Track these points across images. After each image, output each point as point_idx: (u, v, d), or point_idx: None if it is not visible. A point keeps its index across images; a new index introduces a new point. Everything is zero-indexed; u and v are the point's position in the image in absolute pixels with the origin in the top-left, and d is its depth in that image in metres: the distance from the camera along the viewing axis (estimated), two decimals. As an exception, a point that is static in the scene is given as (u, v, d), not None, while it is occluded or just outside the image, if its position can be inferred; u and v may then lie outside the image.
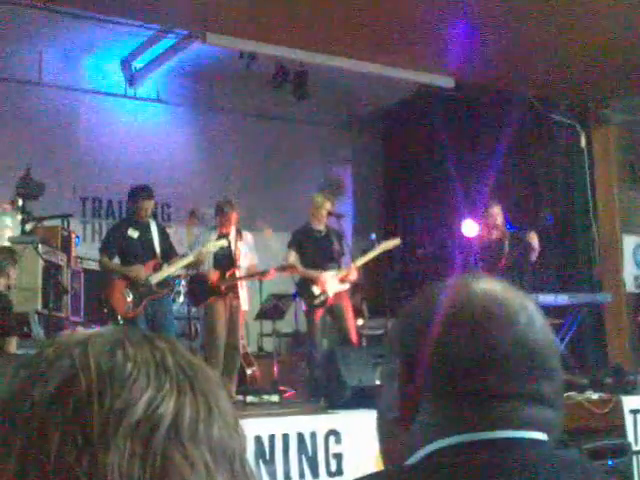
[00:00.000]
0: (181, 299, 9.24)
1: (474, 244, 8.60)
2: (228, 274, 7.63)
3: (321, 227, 8.02)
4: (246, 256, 7.79)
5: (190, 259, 7.53)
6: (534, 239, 8.04)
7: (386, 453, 1.13)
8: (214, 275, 7.58)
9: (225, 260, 7.67)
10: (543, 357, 1.04)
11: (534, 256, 8.09)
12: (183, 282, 9.05)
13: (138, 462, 0.66)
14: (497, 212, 8.29)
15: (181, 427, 0.69)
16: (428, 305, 1.10)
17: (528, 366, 1.03)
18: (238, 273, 7.72)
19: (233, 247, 7.67)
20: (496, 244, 8.23)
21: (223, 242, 7.63)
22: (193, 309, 8.59)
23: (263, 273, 7.89)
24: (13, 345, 6.52)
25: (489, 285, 1.09)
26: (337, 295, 7.83)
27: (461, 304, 1.06)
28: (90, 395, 0.67)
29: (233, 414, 0.75)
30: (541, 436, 1.02)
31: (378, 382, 1.14)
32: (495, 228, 8.31)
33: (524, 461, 0.99)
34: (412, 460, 1.03)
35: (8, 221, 8.81)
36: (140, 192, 7.48)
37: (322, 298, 7.76)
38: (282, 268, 8.01)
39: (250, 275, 7.82)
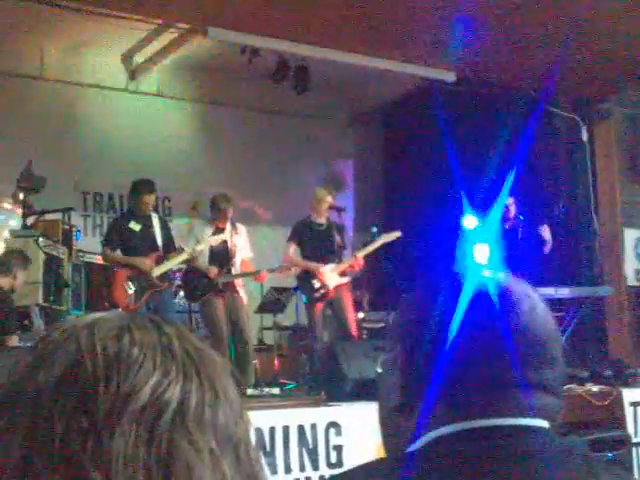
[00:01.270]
0: (182, 293, 9.24)
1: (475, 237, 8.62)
2: (225, 270, 7.64)
3: (322, 220, 8.01)
4: (241, 250, 7.80)
5: (185, 256, 7.52)
6: (547, 232, 8.18)
7: (388, 441, 1.14)
8: (213, 271, 7.56)
9: (221, 256, 7.67)
10: (545, 345, 1.05)
11: (547, 249, 8.23)
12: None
13: (143, 447, 0.66)
14: (510, 203, 8.38)
15: (187, 412, 0.68)
16: (429, 294, 1.10)
17: (530, 354, 1.03)
18: (234, 270, 7.72)
19: (229, 242, 7.68)
20: (509, 235, 8.29)
21: (222, 236, 7.63)
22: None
23: (255, 273, 7.85)
24: (14, 341, 6.53)
25: (490, 274, 1.10)
26: (338, 288, 7.82)
27: (462, 293, 1.06)
28: (96, 379, 0.67)
29: (239, 401, 0.75)
30: (543, 423, 1.03)
31: (379, 370, 1.15)
32: (508, 219, 8.40)
33: (526, 448, 1.00)
34: (413, 447, 1.04)
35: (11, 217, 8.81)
36: (142, 186, 7.48)
37: (322, 291, 7.77)
38: (273, 270, 7.99)
39: (243, 274, 7.79)
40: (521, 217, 8.46)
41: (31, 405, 0.68)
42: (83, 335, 0.71)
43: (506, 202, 8.40)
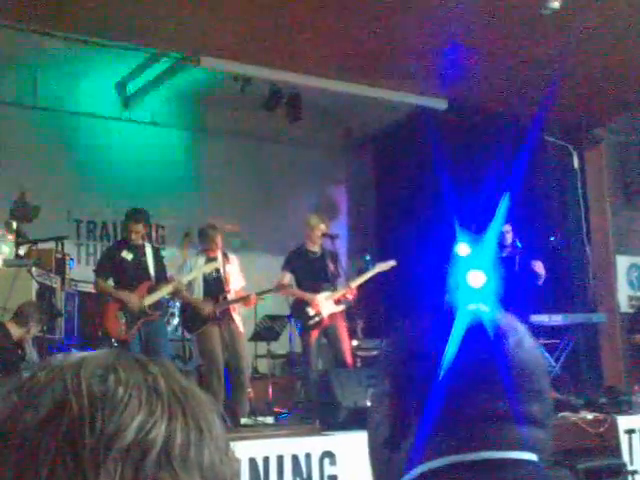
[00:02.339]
0: (175, 321, 9.21)
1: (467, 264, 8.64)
2: (221, 298, 7.62)
3: (316, 248, 8.01)
4: (234, 279, 7.78)
5: (170, 288, 7.49)
6: (540, 268, 8.20)
7: (378, 475, 1.13)
8: (207, 309, 7.53)
9: (216, 284, 7.65)
10: (532, 378, 1.05)
11: (540, 282, 8.25)
12: (177, 304, 9.02)
13: None
14: (507, 230, 8.40)
15: (172, 452, 0.68)
16: (418, 327, 1.11)
17: (517, 387, 1.03)
18: (229, 297, 7.69)
19: (222, 271, 7.66)
20: (506, 262, 8.30)
21: (215, 265, 7.62)
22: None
23: (245, 299, 7.81)
24: None
25: (478, 308, 1.10)
26: (332, 316, 7.81)
27: (451, 326, 1.07)
28: (82, 420, 0.67)
29: (225, 439, 0.74)
30: (531, 456, 1.03)
31: (369, 403, 1.15)
32: (505, 246, 8.41)
33: (514, 482, 1.00)
34: (403, 481, 1.04)
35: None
36: (129, 215, 7.50)
37: (317, 319, 7.75)
38: (263, 292, 7.97)
39: (234, 300, 7.76)
40: (519, 244, 8.47)
41: (17, 446, 0.67)
42: (69, 375, 0.70)
43: (503, 229, 8.42)
